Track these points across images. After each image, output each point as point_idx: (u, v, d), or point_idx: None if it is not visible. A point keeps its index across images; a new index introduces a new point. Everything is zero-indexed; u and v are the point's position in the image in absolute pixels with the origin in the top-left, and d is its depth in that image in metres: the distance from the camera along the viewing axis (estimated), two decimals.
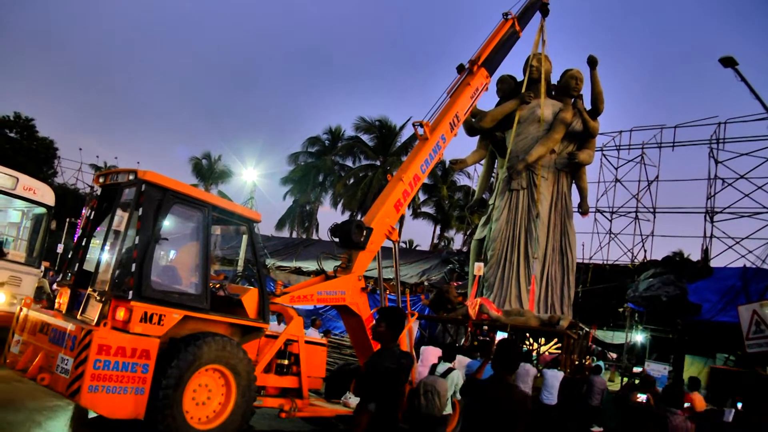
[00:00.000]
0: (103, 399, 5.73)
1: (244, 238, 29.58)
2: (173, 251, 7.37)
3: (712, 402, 14.36)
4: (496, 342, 15.06)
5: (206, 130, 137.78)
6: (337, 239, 9.60)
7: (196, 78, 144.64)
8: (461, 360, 11.82)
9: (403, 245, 46.87)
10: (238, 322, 7.22)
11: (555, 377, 12.29)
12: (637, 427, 11.65)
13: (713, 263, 23.83)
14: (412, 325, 10.56)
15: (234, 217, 7.65)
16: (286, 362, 8.19)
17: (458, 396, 8.71)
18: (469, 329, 16.17)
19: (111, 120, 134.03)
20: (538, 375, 12.82)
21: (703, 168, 46.96)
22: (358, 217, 10.25)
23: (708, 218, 24.74)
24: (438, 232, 44.63)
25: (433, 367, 9.74)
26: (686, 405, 11.27)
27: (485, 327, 16.03)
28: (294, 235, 46.28)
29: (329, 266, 10.40)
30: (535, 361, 16.33)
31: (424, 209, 44.23)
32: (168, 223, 6.88)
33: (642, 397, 12.80)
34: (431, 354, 11.32)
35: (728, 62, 15.05)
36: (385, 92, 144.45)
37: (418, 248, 45.15)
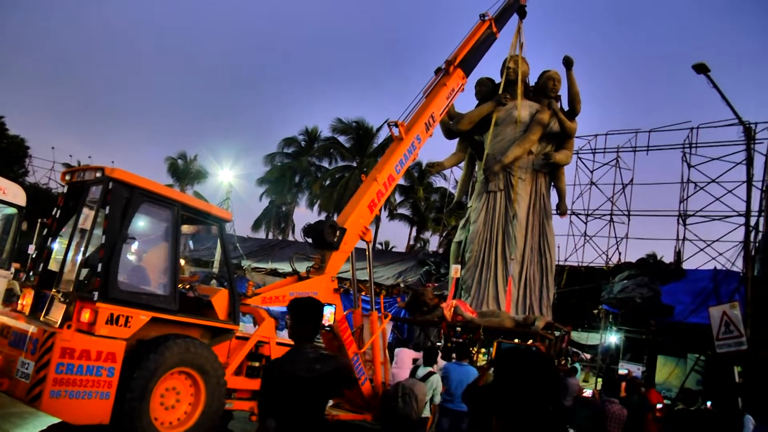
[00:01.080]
0: (66, 405, 5.56)
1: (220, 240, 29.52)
2: (142, 251, 7.20)
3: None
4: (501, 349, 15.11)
5: (183, 130, 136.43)
6: (310, 240, 9.49)
7: (172, 78, 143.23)
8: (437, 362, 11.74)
9: (379, 246, 46.83)
10: (207, 323, 7.08)
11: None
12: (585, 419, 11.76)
13: (685, 265, 24.07)
14: (386, 327, 10.48)
15: (204, 216, 7.51)
16: (257, 364, 8.05)
17: (436, 400, 8.65)
18: (443, 331, 16.13)
19: (86, 119, 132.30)
20: None
21: (676, 172, 47.77)
22: (335, 218, 10.13)
23: (681, 221, 24.98)
24: (414, 233, 44.64)
25: (414, 369, 9.68)
26: (659, 406, 11.35)
27: (458, 329, 16.00)
28: (270, 236, 45.99)
29: (303, 267, 10.28)
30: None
31: (401, 210, 44.21)
32: (136, 222, 6.72)
33: (588, 392, 12.92)
34: (406, 356, 11.25)
35: (701, 69, 15.20)
36: (362, 93, 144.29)
37: (394, 250, 45.12)
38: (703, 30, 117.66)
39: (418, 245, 44.13)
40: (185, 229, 8.29)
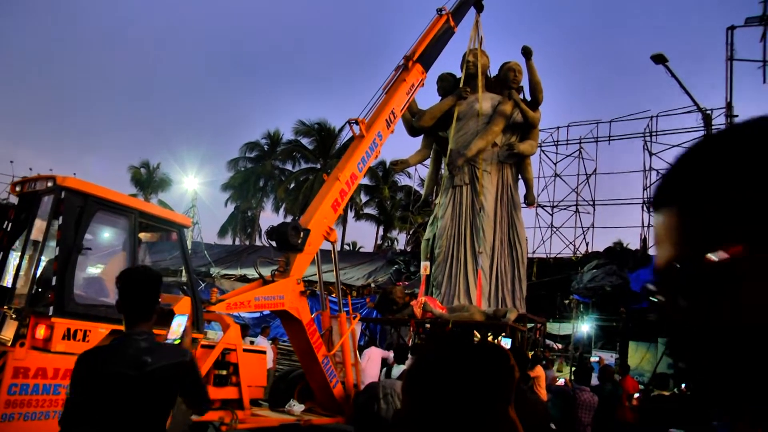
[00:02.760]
0: (22, 427, 5.32)
1: (188, 247, 29.10)
2: (99, 261, 6.97)
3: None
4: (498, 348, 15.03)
5: (145, 139, 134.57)
6: (273, 242, 9.33)
7: (133, 86, 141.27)
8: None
9: (347, 247, 46.68)
10: (163, 332, 6.86)
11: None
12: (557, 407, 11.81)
13: (652, 251, 24.39)
14: (355, 328, 10.36)
15: (163, 222, 7.31)
16: (224, 372, 7.86)
17: None
18: (411, 329, 16.05)
19: (46, 131, 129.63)
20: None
21: (638, 160, 48.57)
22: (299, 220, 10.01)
23: (645, 208, 25.40)
24: (381, 233, 44.57)
25: (388, 369, 9.58)
26: (636, 395, 11.39)
27: (428, 325, 15.94)
28: (237, 241, 45.53)
29: (269, 271, 10.11)
30: None
31: (366, 210, 44.11)
32: (91, 232, 6.49)
33: (561, 381, 13.00)
34: (375, 355, 11.15)
35: (659, 59, 15.38)
36: (324, 94, 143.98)
37: (362, 250, 44.97)
38: (661, 19, 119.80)
39: (386, 244, 44.06)
40: (145, 236, 8.06)
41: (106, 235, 6.99)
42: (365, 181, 43.81)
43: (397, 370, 8.72)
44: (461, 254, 17.66)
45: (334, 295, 12.60)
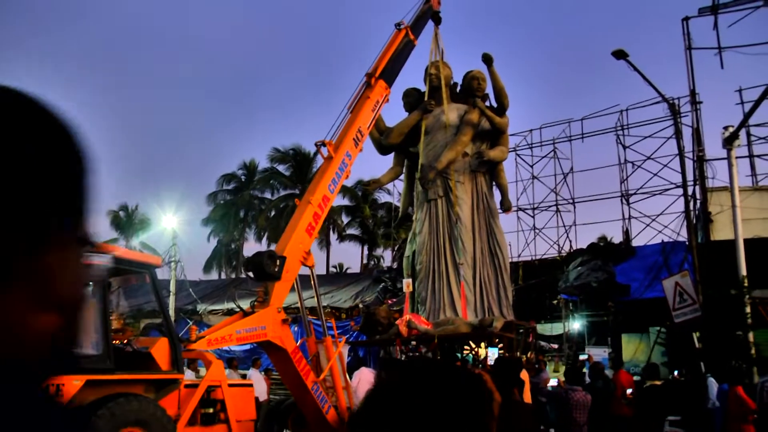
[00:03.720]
0: None
1: (172, 286, 28.91)
2: None
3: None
4: (490, 360, 15.00)
5: (121, 181, 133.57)
6: (251, 273, 9.23)
7: (102, 129, 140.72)
8: None
9: (334, 270, 46.55)
10: (147, 377, 6.74)
11: None
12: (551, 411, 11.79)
13: (635, 242, 24.56)
14: (342, 351, 10.26)
15: (131, 264, 7.20)
16: (211, 410, 7.72)
17: None
18: (398, 348, 15.94)
19: None
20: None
21: (612, 154, 48.92)
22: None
23: (624, 201, 25.55)
24: (366, 252, 44.47)
25: None
26: (629, 391, 11.36)
27: (413, 343, 15.85)
28: (223, 275, 45.20)
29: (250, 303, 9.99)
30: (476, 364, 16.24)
31: (349, 231, 44.01)
32: None
33: (554, 381, 12.97)
34: (366, 376, 11.09)
35: (620, 54, 15.48)
36: (295, 120, 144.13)
37: (349, 271, 44.84)
38: (619, 12, 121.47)
39: (372, 263, 43.94)
40: (117, 281, 7.94)
41: None
42: (345, 202, 43.86)
43: None
44: (442, 268, 17.49)
45: (327, 320, 12.53)
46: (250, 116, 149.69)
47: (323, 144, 10.84)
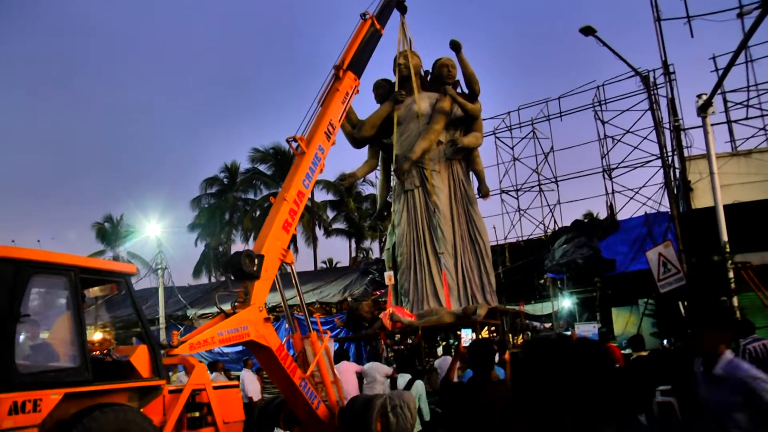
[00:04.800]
0: None
1: (160, 293, 28.79)
2: (43, 325, 6.75)
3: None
4: (464, 342, 15.02)
5: (105, 192, 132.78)
6: (231, 274, 9.20)
7: (83, 142, 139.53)
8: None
9: (324, 265, 46.52)
10: (127, 385, 6.67)
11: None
12: None
13: (620, 216, 24.67)
14: (329, 345, 10.24)
15: (105, 275, 7.11)
16: (197, 414, 7.67)
17: (425, 413, 8.49)
18: (383, 342, 15.94)
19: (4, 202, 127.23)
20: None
21: (592, 130, 49.04)
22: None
23: (606, 176, 25.69)
24: (354, 245, 44.49)
25: (393, 381, 9.50)
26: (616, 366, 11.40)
27: (398, 336, 15.85)
28: (212, 279, 45.09)
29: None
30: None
31: (336, 226, 44.05)
32: (29, 297, 6.28)
33: None
34: (346, 368, 11.14)
35: (588, 31, 15.47)
36: (273, 118, 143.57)
37: (339, 265, 44.84)
38: None
39: (361, 256, 44.03)
40: (93, 292, 7.88)
41: (46, 297, 6.79)
42: (330, 197, 43.85)
43: (402, 379, 8.60)
44: (423, 258, 17.46)
45: (316, 316, 12.49)
46: (228, 118, 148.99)
47: (294, 139, 10.77)
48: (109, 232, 49.38)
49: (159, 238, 30.75)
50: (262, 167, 43.59)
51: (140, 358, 6.93)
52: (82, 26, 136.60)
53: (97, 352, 6.96)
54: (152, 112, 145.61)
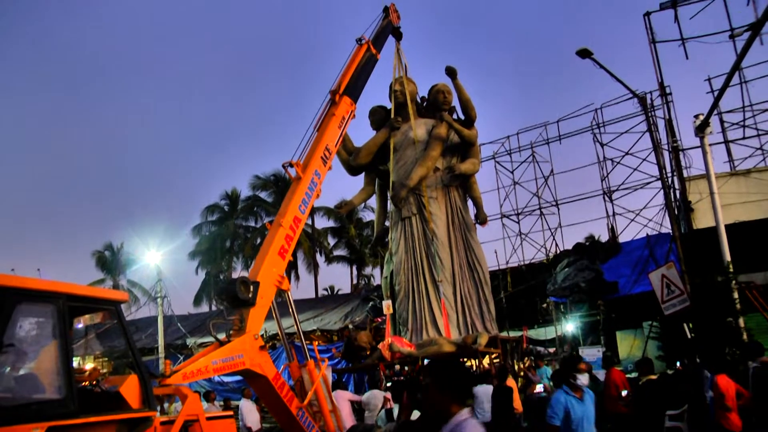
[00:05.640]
0: None
1: (159, 322, 28.53)
2: (28, 356, 6.56)
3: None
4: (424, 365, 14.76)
5: (106, 220, 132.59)
6: (226, 302, 9.04)
7: (82, 171, 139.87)
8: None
9: (325, 292, 46.28)
10: (113, 417, 6.45)
11: (485, 392, 11.89)
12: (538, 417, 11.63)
13: (621, 238, 24.53)
14: (326, 373, 10.05)
15: (94, 302, 6.92)
16: None
17: None
18: (382, 372, 15.69)
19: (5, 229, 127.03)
20: None
21: (591, 153, 49.14)
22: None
23: (607, 198, 25.58)
24: (355, 272, 44.27)
25: (389, 412, 9.31)
26: (624, 393, 11.16)
27: (397, 366, 15.59)
28: (213, 307, 44.80)
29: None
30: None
31: (337, 253, 43.91)
32: (14, 326, 6.11)
33: (539, 388, 12.84)
34: (341, 396, 10.95)
35: (585, 54, 15.45)
36: (274, 145, 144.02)
37: (340, 292, 44.62)
38: (584, 13, 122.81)
39: (363, 282, 43.80)
40: (84, 320, 7.71)
41: (33, 326, 6.61)
42: (330, 223, 43.75)
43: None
44: (422, 286, 17.10)
45: (309, 344, 12.32)
46: (228, 145, 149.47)
47: (290, 165, 10.68)
48: (109, 261, 49.25)
49: (159, 266, 30.56)
50: (262, 194, 43.63)
51: (130, 388, 6.72)
52: (81, 53, 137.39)
53: (86, 383, 6.76)
54: (153, 138, 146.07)
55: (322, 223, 43.71)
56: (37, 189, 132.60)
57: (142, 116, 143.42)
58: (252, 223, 44.80)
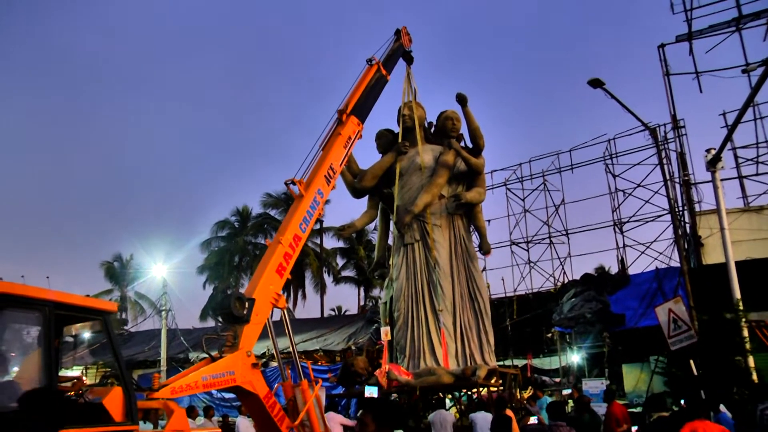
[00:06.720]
0: None
1: (163, 335, 28.44)
2: (13, 363, 6.47)
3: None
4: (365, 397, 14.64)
5: (116, 231, 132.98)
6: (220, 317, 8.93)
7: (95, 180, 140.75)
8: None
9: (332, 312, 46.12)
10: (94, 431, 6.32)
11: (485, 420, 11.69)
12: None
13: (631, 270, 24.32)
14: (320, 394, 9.88)
15: (82, 311, 6.83)
16: None
17: None
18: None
19: (13, 236, 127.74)
20: (460, 422, 12.34)
21: (603, 184, 48.97)
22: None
23: (617, 230, 25.37)
24: (363, 293, 44.14)
25: None
26: (634, 429, 10.90)
27: (395, 395, 15.35)
28: (219, 323, 44.69)
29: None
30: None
31: (345, 274, 43.79)
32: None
33: (533, 420, 12.59)
34: (333, 418, 10.79)
35: (596, 83, 15.36)
36: (287, 163, 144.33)
37: (347, 313, 44.46)
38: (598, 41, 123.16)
39: (369, 304, 43.60)
40: (74, 329, 7.62)
41: (18, 334, 6.52)
42: (340, 244, 43.68)
43: None
44: (421, 314, 16.70)
45: (310, 363, 12.15)
46: (242, 162, 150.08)
47: (293, 182, 10.61)
48: (117, 272, 49.38)
49: (165, 279, 30.55)
50: (273, 212, 43.76)
51: (114, 400, 6.60)
52: (90, 64, 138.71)
53: (72, 393, 6.64)
54: (167, 154, 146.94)
55: (331, 243, 43.74)
56: (47, 197, 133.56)
57: (158, 128, 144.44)
58: (261, 241, 44.84)
